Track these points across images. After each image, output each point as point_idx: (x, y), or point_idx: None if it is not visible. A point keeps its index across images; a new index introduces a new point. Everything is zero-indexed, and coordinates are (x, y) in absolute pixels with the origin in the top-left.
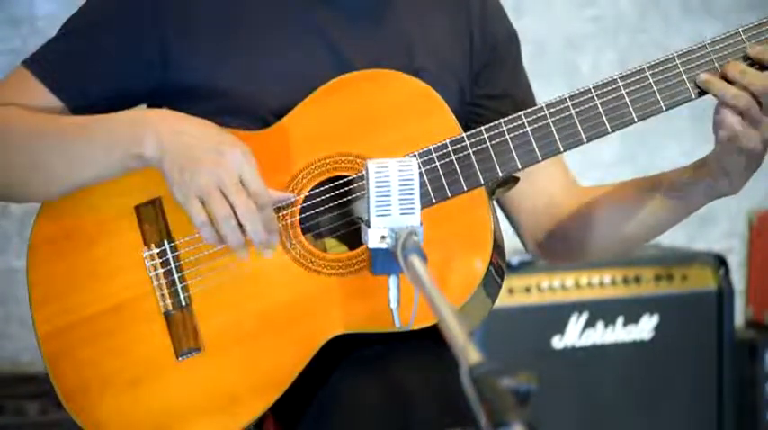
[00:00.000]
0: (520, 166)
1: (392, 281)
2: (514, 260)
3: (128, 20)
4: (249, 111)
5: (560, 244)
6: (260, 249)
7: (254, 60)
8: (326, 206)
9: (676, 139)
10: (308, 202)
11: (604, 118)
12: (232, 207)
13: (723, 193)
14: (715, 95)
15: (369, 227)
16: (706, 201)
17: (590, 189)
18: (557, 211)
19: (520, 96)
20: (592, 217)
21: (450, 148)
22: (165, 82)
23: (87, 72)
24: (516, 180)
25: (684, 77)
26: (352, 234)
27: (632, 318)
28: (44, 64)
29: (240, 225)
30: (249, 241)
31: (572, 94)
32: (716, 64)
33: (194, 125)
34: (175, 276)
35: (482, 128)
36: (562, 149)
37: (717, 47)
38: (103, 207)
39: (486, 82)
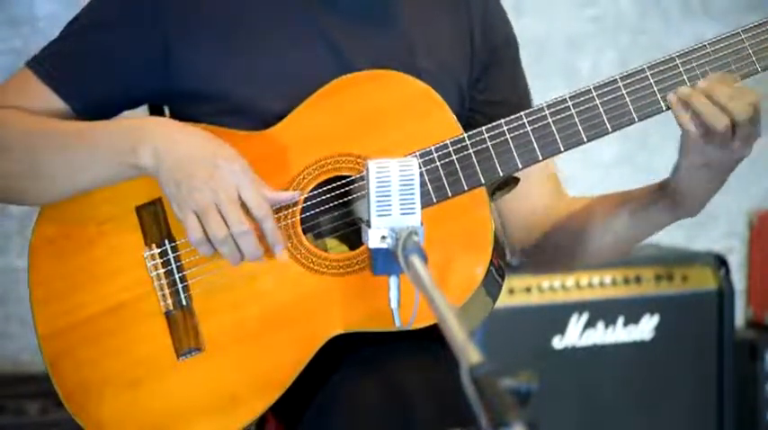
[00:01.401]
0: (520, 166)
1: (392, 281)
2: (515, 260)
3: (129, 21)
4: (249, 113)
5: (547, 252)
6: (252, 260)
7: (255, 61)
8: (327, 206)
9: (676, 140)
10: (309, 202)
11: (605, 117)
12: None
13: (684, 214)
14: (693, 110)
15: (369, 227)
16: (670, 219)
17: (576, 199)
18: (542, 219)
19: (520, 102)
20: (575, 227)
21: (450, 148)
22: (166, 83)
23: (89, 73)
24: (516, 181)
25: (684, 77)
26: (352, 234)
27: (633, 319)
28: (47, 65)
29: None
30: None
31: (572, 94)
32: (716, 63)
33: (192, 136)
34: (176, 276)
35: (482, 128)
36: (562, 149)
37: (716, 47)
38: (104, 207)
39: (485, 87)
